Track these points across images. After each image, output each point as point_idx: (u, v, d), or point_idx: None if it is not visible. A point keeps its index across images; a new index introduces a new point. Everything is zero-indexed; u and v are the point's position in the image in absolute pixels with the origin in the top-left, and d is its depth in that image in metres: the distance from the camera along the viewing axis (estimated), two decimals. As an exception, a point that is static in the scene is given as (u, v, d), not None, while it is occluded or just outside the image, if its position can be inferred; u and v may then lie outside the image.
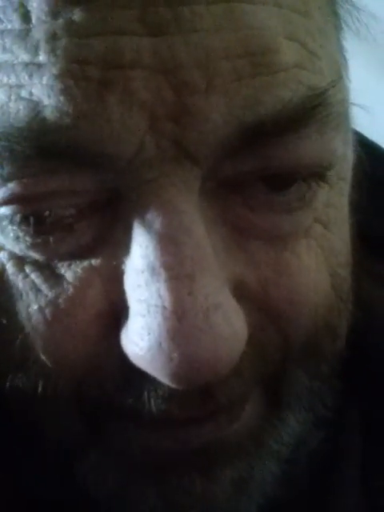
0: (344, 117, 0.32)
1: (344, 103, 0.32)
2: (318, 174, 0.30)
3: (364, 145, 0.38)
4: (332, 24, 0.32)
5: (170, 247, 0.28)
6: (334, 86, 0.29)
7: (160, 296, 0.28)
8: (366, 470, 0.39)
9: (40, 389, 0.30)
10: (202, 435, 0.31)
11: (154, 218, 0.28)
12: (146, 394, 0.30)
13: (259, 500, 0.33)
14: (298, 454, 0.34)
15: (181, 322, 0.27)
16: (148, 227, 0.28)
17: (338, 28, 0.33)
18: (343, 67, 0.33)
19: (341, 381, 0.36)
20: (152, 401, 0.30)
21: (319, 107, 0.29)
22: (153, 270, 0.28)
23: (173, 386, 0.28)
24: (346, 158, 0.33)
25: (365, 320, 0.37)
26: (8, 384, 0.31)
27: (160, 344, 0.27)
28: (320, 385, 0.34)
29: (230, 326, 0.28)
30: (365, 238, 0.37)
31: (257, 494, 0.33)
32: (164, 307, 0.27)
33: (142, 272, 0.28)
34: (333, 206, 0.33)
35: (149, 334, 0.28)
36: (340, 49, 0.34)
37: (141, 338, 0.28)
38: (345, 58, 0.34)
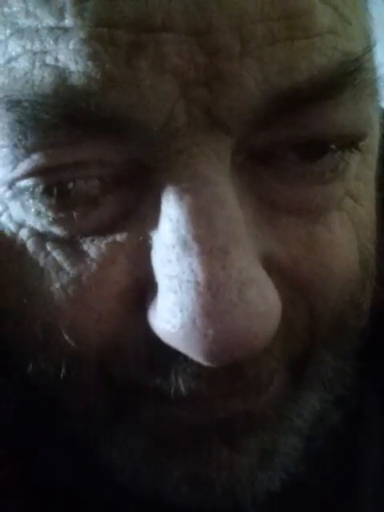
0: (376, 86, 0.31)
1: (375, 72, 0.31)
2: (351, 143, 0.29)
3: None
4: None
5: (203, 220, 0.27)
6: (368, 52, 0.28)
7: (192, 271, 0.26)
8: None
9: (63, 369, 0.30)
10: (228, 408, 0.30)
11: (185, 190, 0.27)
12: (173, 373, 0.29)
13: (282, 475, 0.33)
14: (317, 431, 0.34)
15: (215, 297, 0.26)
16: (178, 199, 0.27)
17: None
18: (372, 35, 0.32)
19: (361, 362, 0.35)
20: (180, 380, 0.29)
21: (355, 73, 0.28)
22: (184, 244, 0.27)
23: (206, 363, 0.27)
24: (374, 131, 0.32)
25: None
26: (31, 365, 0.30)
27: (194, 320, 0.26)
28: (342, 363, 0.34)
29: (264, 301, 0.27)
30: None
31: (280, 468, 0.33)
32: (197, 282, 0.26)
33: (173, 246, 0.27)
34: (362, 179, 0.32)
35: (181, 310, 0.27)
36: (368, 16, 0.32)
37: (173, 315, 0.27)
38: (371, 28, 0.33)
